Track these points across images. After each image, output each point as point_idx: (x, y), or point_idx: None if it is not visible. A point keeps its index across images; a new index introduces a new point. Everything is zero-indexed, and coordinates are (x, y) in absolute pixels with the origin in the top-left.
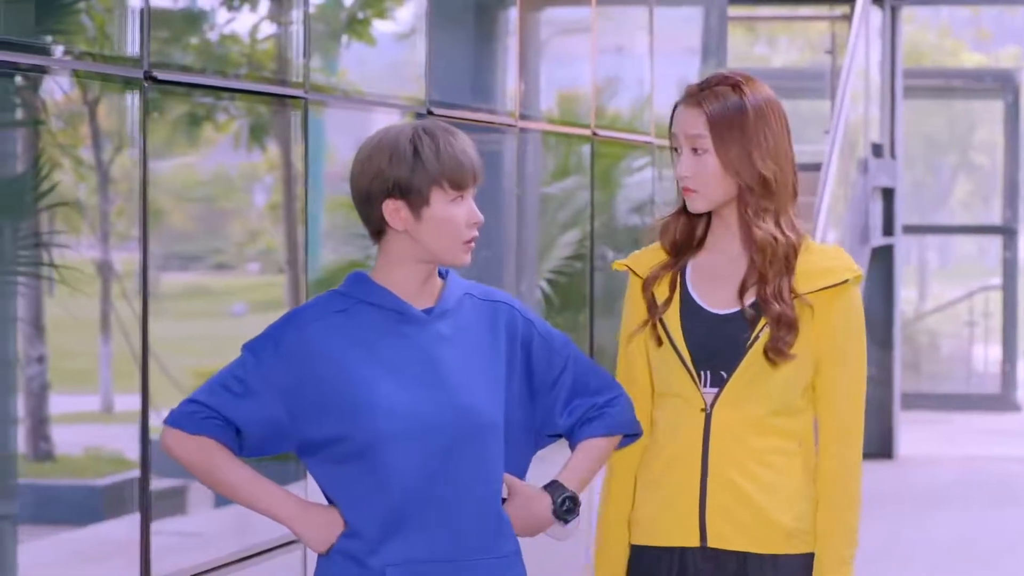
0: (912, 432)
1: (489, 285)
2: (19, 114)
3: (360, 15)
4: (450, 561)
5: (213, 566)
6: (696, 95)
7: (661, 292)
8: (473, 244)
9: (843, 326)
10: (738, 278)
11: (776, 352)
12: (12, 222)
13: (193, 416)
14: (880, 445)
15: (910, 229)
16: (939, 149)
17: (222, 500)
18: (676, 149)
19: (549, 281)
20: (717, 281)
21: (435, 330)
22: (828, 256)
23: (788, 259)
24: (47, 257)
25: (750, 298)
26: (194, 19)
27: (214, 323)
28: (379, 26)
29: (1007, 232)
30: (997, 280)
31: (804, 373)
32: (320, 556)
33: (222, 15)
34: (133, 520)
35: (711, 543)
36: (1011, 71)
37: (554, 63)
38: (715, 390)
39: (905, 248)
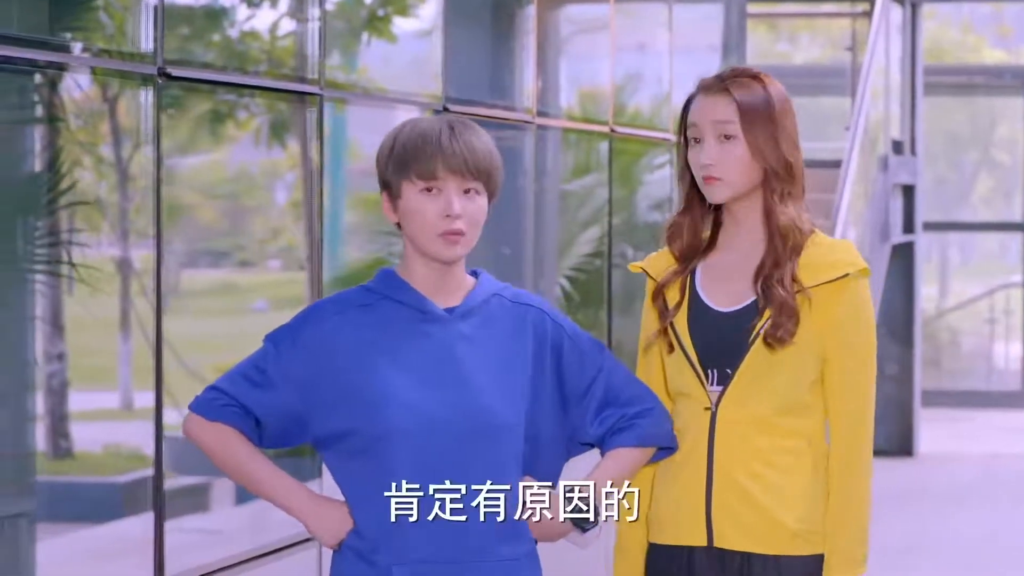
0: (933, 429)
1: (506, 282)
2: (37, 111)
3: (380, 12)
4: (456, 562)
5: (230, 563)
6: (721, 83)
7: (672, 296)
8: (455, 237)
9: (848, 320)
10: (747, 274)
11: (775, 339)
12: (31, 220)
13: (213, 403)
14: (900, 443)
15: (931, 226)
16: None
17: (239, 497)
18: (696, 140)
19: (569, 279)
20: (726, 280)
21: (456, 329)
22: (833, 250)
23: (797, 248)
24: (66, 255)
25: (756, 292)
26: (210, 16)
27: (235, 320)
28: (398, 23)
29: None
30: (1018, 277)
31: (808, 367)
32: (334, 552)
33: (238, 12)
34: (151, 517)
35: (716, 543)
36: None
37: (572, 60)
38: (720, 388)
39: (926, 245)
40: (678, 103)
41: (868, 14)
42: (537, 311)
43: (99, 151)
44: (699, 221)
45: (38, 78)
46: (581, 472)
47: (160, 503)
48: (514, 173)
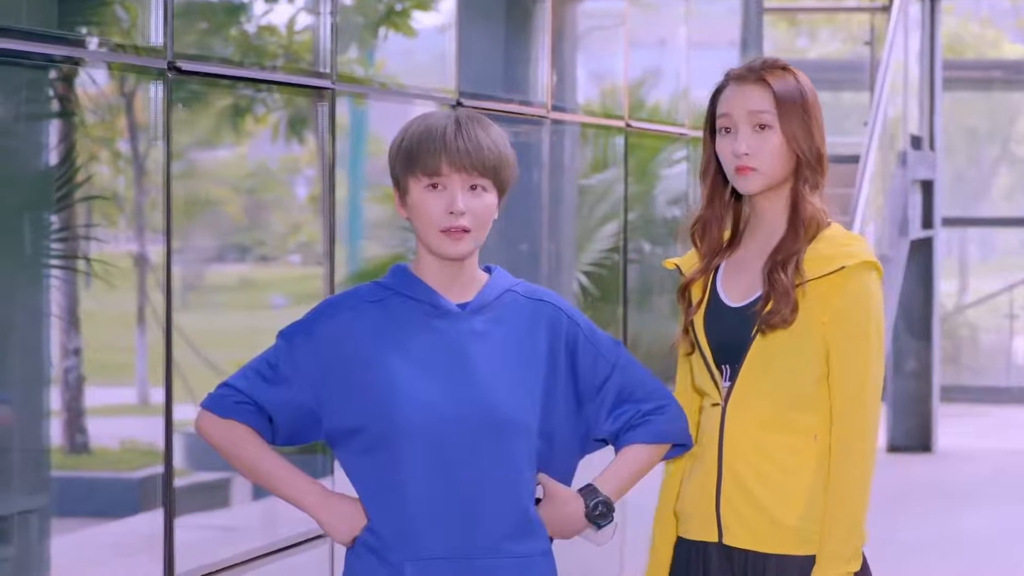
0: (951, 425)
1: (521, 278)
2: (52, 106)
3: (398, 6)
4: (466, 559)
5: (241, 560)
6: (756, 73)
7: (696, 294)
8: (459, 234)
9: (847, 311)
10: (760, 267)
11: (768, 325)
12: (46, 215)
13: (225, 400)
14: (919, 438)
15: (950, 222)
16: (979, 141)
17: (251, 494)
18: (727, 129)
19: (587, 274)
20: (742, 274)
21: (468, 325)
22: (836, 243)
23: (813, 239)
24: (81, 250)
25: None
26: (220, 9)
27: (254, 315)
28: (416, 17)
29: None
30: None
31: (811, 359)
32: (347, 549)
33: (251, 6)
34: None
35: (725, 540)
36: None
37: (587, 55)
38: (730, 384)
39: (945, 241)
40: (696, 99)
41: (887, 8)
42: (552, 307)
43: (115, 146)
44: (722, 216)
45: (53, 73)
46: (595, 468)
47: (170, 499)
48: (529, 168)
